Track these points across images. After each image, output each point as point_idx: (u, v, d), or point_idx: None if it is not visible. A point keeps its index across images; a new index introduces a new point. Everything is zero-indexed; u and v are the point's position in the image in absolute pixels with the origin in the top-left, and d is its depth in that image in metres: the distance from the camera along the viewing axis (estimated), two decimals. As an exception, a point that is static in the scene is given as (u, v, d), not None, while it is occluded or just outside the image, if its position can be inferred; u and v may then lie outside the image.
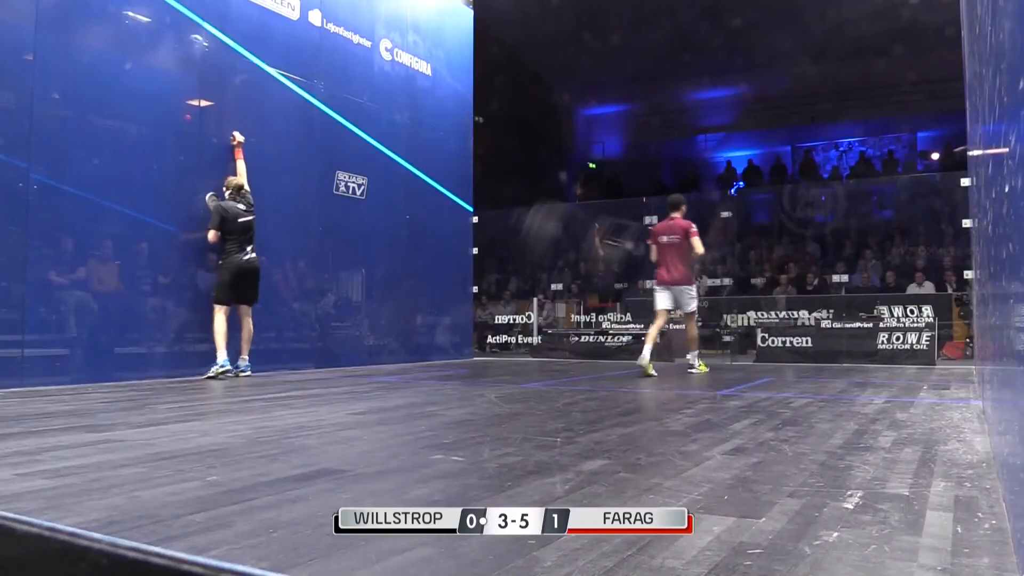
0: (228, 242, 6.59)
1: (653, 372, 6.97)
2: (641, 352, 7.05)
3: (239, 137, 7.02)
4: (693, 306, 7.33)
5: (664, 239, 7.28)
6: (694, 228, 7.20)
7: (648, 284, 11.95)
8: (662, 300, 7.33)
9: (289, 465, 2.54)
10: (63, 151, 5.79)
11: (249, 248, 6.68)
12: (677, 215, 7.35)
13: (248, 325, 6.76)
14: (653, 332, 7.24)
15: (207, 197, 6.77)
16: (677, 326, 10.48)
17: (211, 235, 6.53)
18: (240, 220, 6.62)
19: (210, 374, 6.38)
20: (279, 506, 1.94)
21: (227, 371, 6.47)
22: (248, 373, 6.66)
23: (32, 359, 5.57)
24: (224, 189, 6.75)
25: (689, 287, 7.28)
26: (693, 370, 7.35)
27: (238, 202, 6.67)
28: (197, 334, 6.77)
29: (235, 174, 6.91)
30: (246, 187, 6.81)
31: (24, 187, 5.49)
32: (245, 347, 6.71)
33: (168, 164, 6.56)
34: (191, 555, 0.53)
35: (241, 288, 6.66)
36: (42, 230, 5.66)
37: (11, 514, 0.59)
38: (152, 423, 3.67)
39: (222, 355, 6.48)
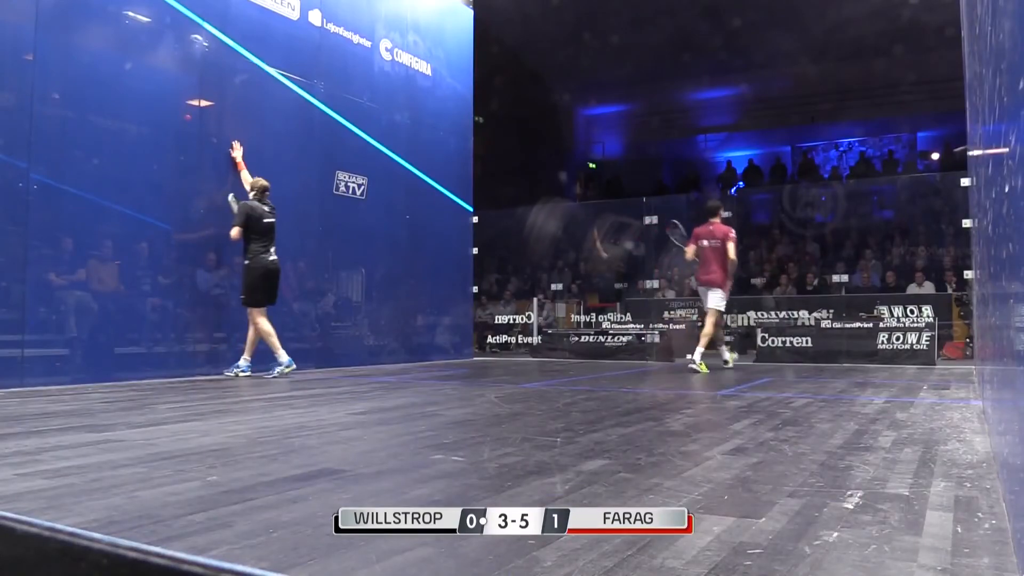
0: (254, 242, 6.60)
1: (729, 363, 7.79)
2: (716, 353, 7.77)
3: (238, 148, 7.02)
4: (719, 305, 7.65)
5: (705, 243, 7.65)
6: (732, 234, 7.58)
7: (648, 284, 11.97)
8: (705, 300, 7.79)
9: (289, 465, 2.54)
10: (63, 151, 5.79)
11: (272, 249, 6.72)
12: (716, 220, 7.71)
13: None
14: (718, 333, 7.72)
15: (229, 197, 6.81)
16: (677, 326, 10.50)
17: (234, 232, 6.55)
18: (265, 221, 6.65)
19: (275, 374, 6.55)
20: (279, 506, 1.94)
21: (292, 368, 6.64)
22: (248, 373, 6.66)
23: (32, 359, 5.57)
24: (249, 191, 6.77)
25: (718, 289, 7.59)
26: (693, 367, 7.38)
27: (263, 203, 6.69)
28: (197, 334, 6.78)
29: (241, 182, 6.91)
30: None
31: (24, 187, 5.49)
32: (250, 348, 6.70)
33: (168, 164, 6.56)
34: (191, 555, 0.53)
35: (267, 289, 6.70)
36: (42, 230, 5.66)
37: (11, 514, 0.59)
38: (152, 423, 3.67)
39: (284, 355, 6.61)
